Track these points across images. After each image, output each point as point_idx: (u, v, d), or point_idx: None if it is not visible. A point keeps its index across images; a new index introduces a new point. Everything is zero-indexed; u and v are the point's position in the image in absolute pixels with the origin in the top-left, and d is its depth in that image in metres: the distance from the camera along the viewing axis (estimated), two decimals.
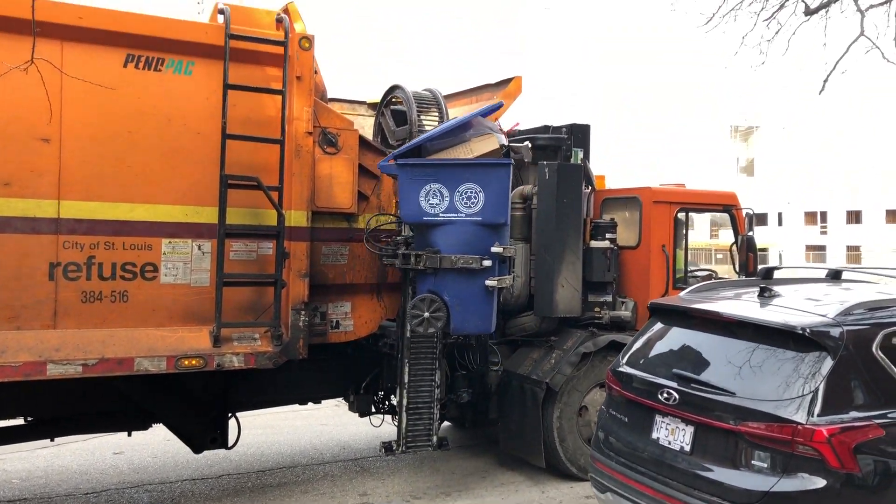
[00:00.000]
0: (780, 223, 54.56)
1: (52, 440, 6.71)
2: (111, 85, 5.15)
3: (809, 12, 5.95)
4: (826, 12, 6.01)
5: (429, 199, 5.60)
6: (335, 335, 6.25)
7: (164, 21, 5.37)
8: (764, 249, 50.37)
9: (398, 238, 6.13)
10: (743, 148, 61.38)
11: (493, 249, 5.63)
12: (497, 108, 6.35)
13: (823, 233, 54.80)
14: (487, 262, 5.62)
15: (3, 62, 4.24)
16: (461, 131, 5.89)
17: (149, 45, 5.31)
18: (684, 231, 7.67)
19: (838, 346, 3.90)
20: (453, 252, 5.62)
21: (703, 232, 45.82)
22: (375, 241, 6.15)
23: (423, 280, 5.81)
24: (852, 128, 50.19)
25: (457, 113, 7.07)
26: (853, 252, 51.44)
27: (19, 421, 6.13)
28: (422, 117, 6.48)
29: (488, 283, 5.65)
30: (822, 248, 53.80)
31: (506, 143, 6.23)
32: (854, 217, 52.77)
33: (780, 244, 50.43)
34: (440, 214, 5.62)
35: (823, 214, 55.22)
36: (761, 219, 55.98)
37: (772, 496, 3.72)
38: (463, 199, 5.59)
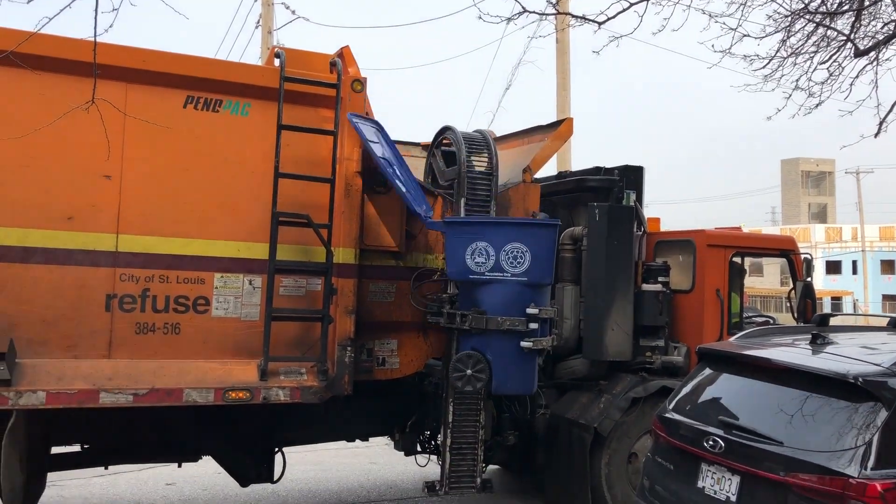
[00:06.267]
0: (854, 271, 52.52)
1: (105, 468, 6.87)
2: (171, 125, 5.38)
3: (859, 53, 5.80)
4: (879, 53, 5.85)
5: (475, 258, 5.54)
6: (381, 372, 6.27)
7: (223, 64, 5.61)
8: (838, 298, 48.53)
9: (443, 295, 6.10)
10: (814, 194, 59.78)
11: (529, 311, 5.54)
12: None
13: None
14: (534, 325, 5.55)
15: (67, 103, 4.46)
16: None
17: (208, 87, 5.52)
18: (740, 275, 7.46)
19: (894, 396, 3.72)
20: (496, 311, 5.54)
21: (774, 278, 44.43)
22: (421, 295, 6.16)
23: (466, 337, 5.75)
24: None
25: (507, 155, 7.10)
26: None
27: (76, 448, 6.32)
28: (472, 158, 6.52)
29: (524, 344, 5.54)
30: None
31: None
32: None
33: (856, 293, 48.48)
34: (486, 273, 5.55)
35: None
36: (835, 266, 54.08)
37: None
38: (509, 258, 5.55)
